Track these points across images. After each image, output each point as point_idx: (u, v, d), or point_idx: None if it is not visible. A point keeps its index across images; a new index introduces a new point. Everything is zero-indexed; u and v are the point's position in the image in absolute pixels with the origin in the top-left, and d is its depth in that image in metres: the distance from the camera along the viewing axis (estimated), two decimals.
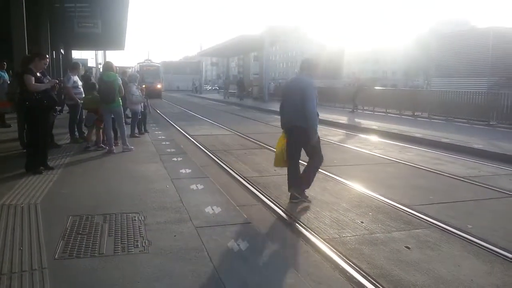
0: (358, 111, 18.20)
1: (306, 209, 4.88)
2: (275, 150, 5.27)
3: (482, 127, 12.92)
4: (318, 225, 4.35)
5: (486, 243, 3.87)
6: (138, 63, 43.67)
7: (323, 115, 16.43)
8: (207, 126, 14.16)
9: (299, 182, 5.08)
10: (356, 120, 14.82)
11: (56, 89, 6.15)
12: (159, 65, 42.33)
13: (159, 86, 35.88)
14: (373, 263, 3.48)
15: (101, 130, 8.08)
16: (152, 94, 29.31)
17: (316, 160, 5.06)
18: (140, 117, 10.10)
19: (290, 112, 5.00)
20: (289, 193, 5.13)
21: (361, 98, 18.26)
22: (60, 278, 2.86)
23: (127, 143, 7.95)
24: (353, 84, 19.55)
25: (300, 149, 5.12)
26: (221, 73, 70.05)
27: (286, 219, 4.51)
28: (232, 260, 3.18)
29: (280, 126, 5.29)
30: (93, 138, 8.21)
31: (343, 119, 14.90)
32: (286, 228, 4.30)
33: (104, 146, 7.92)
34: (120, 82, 7.78)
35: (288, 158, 5.06)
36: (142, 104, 10.06)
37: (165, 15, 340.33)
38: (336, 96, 21.69)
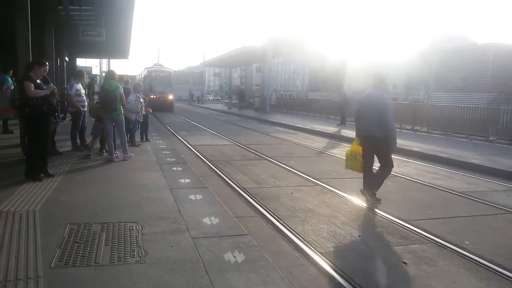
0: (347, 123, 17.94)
1: (303, 221, 4.89)
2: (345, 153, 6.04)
3: (481, 142, 12.93)
4: (315, 238, 4.35)
5: (483, 259, 3.87)
6: (145, 68, 37.04)
7: (322, 127, 16.47)
8: (208, 136, 14.20)
9: (372, 183, 5.63)
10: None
11: (55, 95, 6.21)
12: (171, 70, 33.67)
13: (170, 97, 29.65)
14: (369, 277, 3.48)
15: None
16: (162, 107, 25.17)
17: (385, 169, 5.65)
18: (137, 126, 10.17)
19: (368, 123, 5.64)
20: (360, 192, 5.75)
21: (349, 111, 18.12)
22: (55, 287, 2.86)
23: (128, 152, 7.98)
24: (338, 98, 19.87)
25: (374, 155, 5.74)
26: (224, 84, 70.45)
27: (283, 231, 4.51)
28: (228, 273, 3.18)
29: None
30: (97, 145, 8.28)
31: (345, 132, 14.88)
32: (283, 241, 4.30)
33: (106, 153, 7.96)
34: (122, 90, 7.85)
35: (365, 163, 5.69)
36: (141, 113, 10.05)
37: (169, 24, 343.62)
38: (331, 109, 22.51)
